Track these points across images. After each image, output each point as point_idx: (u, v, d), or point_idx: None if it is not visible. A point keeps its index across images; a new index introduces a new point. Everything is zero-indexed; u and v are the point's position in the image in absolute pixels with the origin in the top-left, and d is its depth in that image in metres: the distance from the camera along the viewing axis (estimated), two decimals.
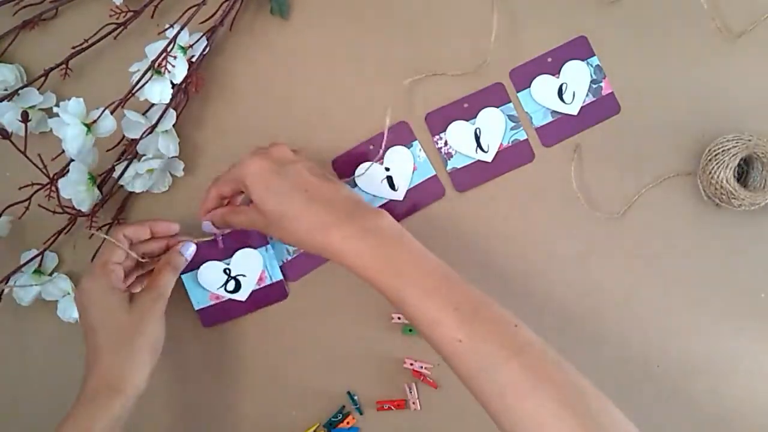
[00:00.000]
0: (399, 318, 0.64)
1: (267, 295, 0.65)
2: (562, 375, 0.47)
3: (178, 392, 0.66)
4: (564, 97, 0.65)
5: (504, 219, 0.65)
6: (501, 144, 0.65)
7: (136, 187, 0.63)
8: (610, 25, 0.65)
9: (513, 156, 0.65)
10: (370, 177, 0.65)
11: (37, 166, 0.58)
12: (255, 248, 0.64)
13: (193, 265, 0.63)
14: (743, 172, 0.63)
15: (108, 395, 0.53)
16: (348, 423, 0.64)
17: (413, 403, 0.64)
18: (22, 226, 0.64)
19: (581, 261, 0.65)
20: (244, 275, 0.64)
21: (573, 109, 0.65)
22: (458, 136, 0.65)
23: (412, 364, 0.64)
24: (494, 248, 0.65)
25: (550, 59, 0.65)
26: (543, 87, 0.65)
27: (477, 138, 0.65)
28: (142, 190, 0.63)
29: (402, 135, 0.65)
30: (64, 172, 0.61)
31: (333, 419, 0.64)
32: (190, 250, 0.61)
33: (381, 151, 0.63)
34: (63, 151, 0.58)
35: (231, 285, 0.64)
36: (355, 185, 0.65)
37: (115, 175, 0.62)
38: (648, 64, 0.65)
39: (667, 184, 0.65)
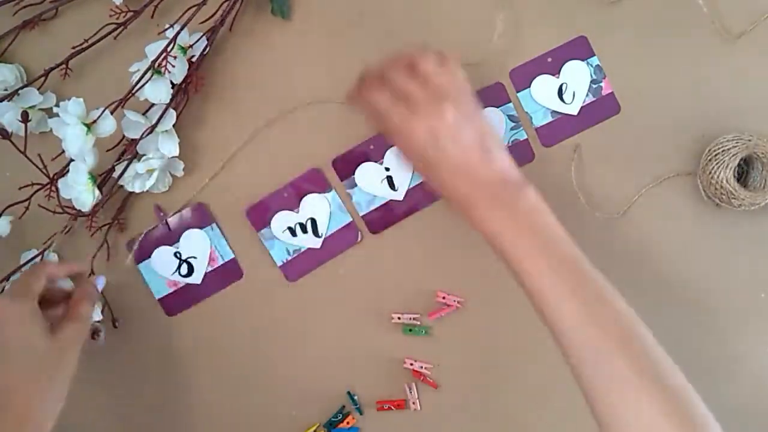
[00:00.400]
0: (399, 318, 0.64)
1: (222, 276, 0.65)
2: (670, 378, 0.47)
3: (178, 392, 0.66)
4: (564, 97, 0.65)
5: None
6: None
7: (136, 187, 0.63)
8: (610, 25, 0.65)
9: (513, 156, 0.65)
10: (370, 177, 0.65)
11: (37, 166, 0.58)
12: (201, 228, 0.65)
13: (146, 254, 0.65)
14: (743, 172, 0.63)
15: None
16: (348, 423, 0.64)
17: (413, 403, 0.64)
18: (22, 226, 0.64)
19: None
20: (194, 257, 0.65)
21: (573, 109, 0.65)
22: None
23: (412, 364, 0.64)
24: None
25: (550, 59, 0.65)
26: (543, 87, 0.65)
27: None
28: (142, 190, 0.63)
29: None
30: (64, 172, 0.61)
31: (333, 419, 0.64)
32: (102, 282, 0.61)
33: None
34: (63, 151, 0.58)
35: (184, 269, 0.65)
36: (355, 185, 0.65)
37: (115, 175, 0.62)
38: (648, 64, 0.65)
39: (667, 184, 0.65)
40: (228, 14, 0.63)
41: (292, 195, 0.64)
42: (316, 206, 0.64)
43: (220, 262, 0.65)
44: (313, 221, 0.64)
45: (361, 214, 0.65)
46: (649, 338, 0.49)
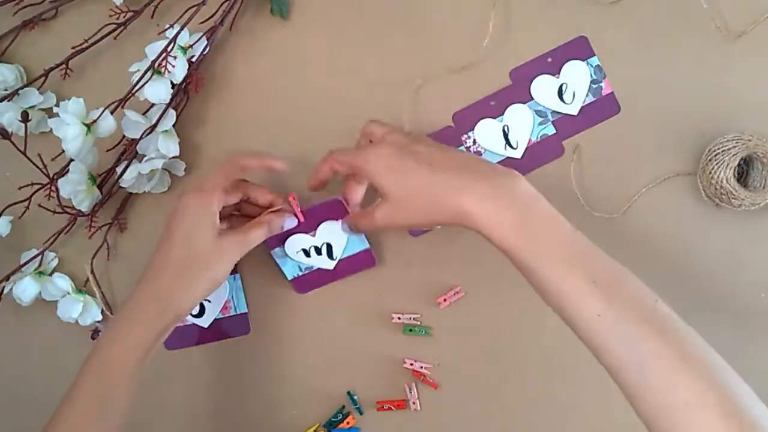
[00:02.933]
0: (399, 318, 0.64)
1: (229, 327, 0.65)
2: (703, 353, 0.47)
3: (178, 392, 0.66)
4: (564, 97, 0.65)
5: None
6: (530, 140, 0.65)
7: (136, 187, 0.62)
8: (610, 25, 0.65)
9: (542, 151, 0.65)
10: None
11: (37, 166, 0.58)
12: None
13: None
14: (743, 172, 0.63)
15: (161, 313, 0.52)
16: (348, 423, 0.64)
17: (413, 403, 0.64)
18: (22, 225, 0.64)
19: None
20: (209, 300, 0.64)
21: (573, 109, 0.65)
22: (486, 134, 0.65)
23: (412, 364, 0.64)
24: (493, 248, 0.65)
25: (550, 59, 0.65)
26: (543, 87, 0.65)
27: (505, 135, 0.65)
28: (142, 190, 0.63)
29: (447, 140, 0.64)
30: (64, 171, 0.61)
31: (333, 419, 0.64)
32: (290, 223, 0.60)
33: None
34: (63, 151, 0.58)
35: (196, 309, 0.64)
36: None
37: (116, 176, 0.62)
38: (648, 64, 0.65)
39: (667, 184, 0.65)
40: (228, 14, 0.63)
41: (310, 220, 0.63)
42: (333, 232, 0.63)
43: (232, 312, 0.65)
44: (329, 246, 0.63)
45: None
46: (675, 317, 0.48)
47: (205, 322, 0.64)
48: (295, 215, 0.60)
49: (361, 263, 0.64)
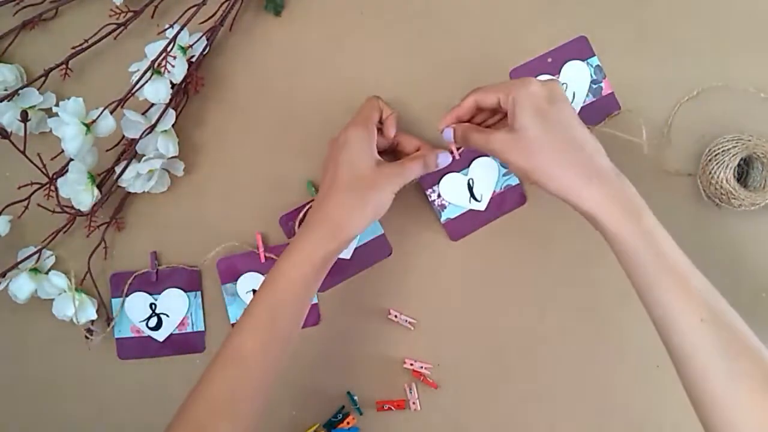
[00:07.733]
0: (396, 316, 0.64)
1: (184, 343, 0.65)
2: None
3: (179, 392, 0.66)
4: None
5: (503, 220, 0.65)
6: (494, 191, 0.65)
7: (136, 187, 0.62)
8: (610, 25, 0.65)
9: (505, 201, 0.65)
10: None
11: (37, 166, 0.58)
12: (185, 291, 0.64)
13: (124, 292, 0.65)
14: (743, 172, 0.63)
15: (331, 232, 0.55)
16: (348, 423, 0.64)
17: (413, 403, 0.64)
18: (21, 225, 0.64)
19: (582, 261, 0.65)
20: (167, 315, 0.64)
21: None
22: (451, 188, 0.65)
23: (412, 364, 0.64)
24: (492, 249, 0.65)
25: (550, 59, 0.65)
26: None
27: (470, 188, 0.65)
28: (142, 190, 0.63)
29: None
30: (63, 171, 0.61)
31: (333, 419, 0.64)
32: (445, 159, 0.61)
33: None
34: (62, 151, 0.58)
35: (153, 321, 0.64)
36: None
37: (115, 175, 0.62)
38: (648, 64, 0.65)
39: (667, 184, 0.65)
40: (228, 14, 0.64)
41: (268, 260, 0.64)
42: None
43: (189, 329, 0.65)
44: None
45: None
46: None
47: (161, 336, 0.65)
48: None
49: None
